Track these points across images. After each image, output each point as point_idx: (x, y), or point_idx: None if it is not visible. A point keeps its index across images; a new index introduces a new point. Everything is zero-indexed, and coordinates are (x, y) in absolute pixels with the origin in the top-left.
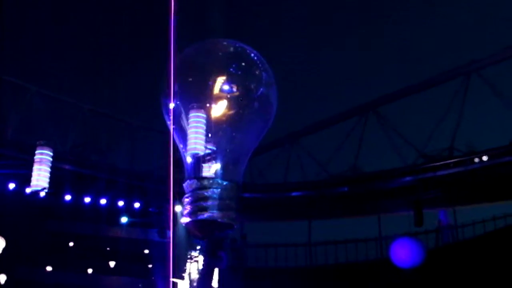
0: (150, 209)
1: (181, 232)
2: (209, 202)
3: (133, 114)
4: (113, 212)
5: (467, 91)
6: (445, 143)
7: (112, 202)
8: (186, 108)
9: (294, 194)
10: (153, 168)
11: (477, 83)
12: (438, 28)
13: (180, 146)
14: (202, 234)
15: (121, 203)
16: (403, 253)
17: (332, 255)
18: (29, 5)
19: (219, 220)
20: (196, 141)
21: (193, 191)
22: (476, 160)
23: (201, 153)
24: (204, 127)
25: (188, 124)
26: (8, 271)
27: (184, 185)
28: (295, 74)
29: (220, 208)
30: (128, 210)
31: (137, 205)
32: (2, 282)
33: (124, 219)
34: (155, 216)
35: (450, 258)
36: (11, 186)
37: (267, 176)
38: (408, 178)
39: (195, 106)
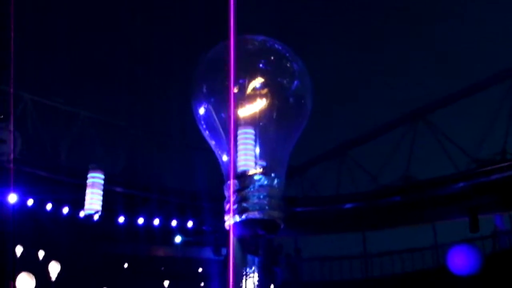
0: (204, 228)
1: (236, 248)
2: (253, 201)
3: (181, 133)
4: (167, 232)
5: None
6: (497, 147)
7: (165, 222)
8: (216, 109)
9: (346, 206)
10: (206, 187)
11: None
12: (486, 30)
13: (212, 142)
14: (249, 236)
15: (174, 223)
16: (460, 260)
17: (388, 266)
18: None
19: (265, 218)
20: (246, 157)
21: (235, 192)
22: None
23: (252, 170)
24: (253, 143)
25: (219, 128)
26: None
27: (225, 186)
28: (342, 85)
29: (265, 207)
30: (181, 229)
31: (190, 224)
32: None
33: (178, 239)
34: (209, 234)
35: (507, 264)
36: (65, 210)
37: (319, 189)
38: (461, 184)
39: (243, 122)
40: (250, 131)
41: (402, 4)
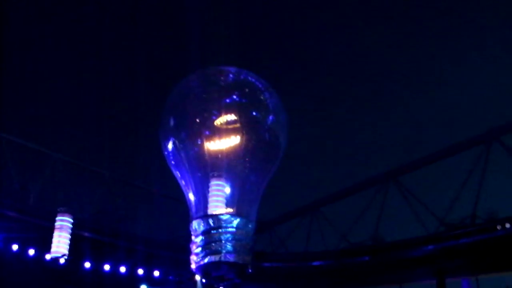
0: (170, 277)
1: None
2: (221, 243)
3: (152, 181)
4: (133, 280)
5: (488, 158)
6: (467, 211)
7: (131, 270)
8: (186, 144)
9: (315, 263)
10: (173, 237)
11: (497, 150)
12: (458, 96)
13: (182, 183)
14: (214, 281)
15: (140, 271)
16: None
17: None
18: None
19: (231, 261)
20: (216, 204)
21: (202, 233)
22: (499, 227)
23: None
24: (224, 194)
25: (193, 185)
26: None
27: (190, 226)
28: (315, 144)
29: (233, 250)
30: (147, 278)
31: (156, 273)
32: None
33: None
34: (175, 284)
35: None
36: (31, 252)
37: (288, 245)
38: (430, 247)
39: (215, 175)
40: (222, 183)
41: (377, 67)
